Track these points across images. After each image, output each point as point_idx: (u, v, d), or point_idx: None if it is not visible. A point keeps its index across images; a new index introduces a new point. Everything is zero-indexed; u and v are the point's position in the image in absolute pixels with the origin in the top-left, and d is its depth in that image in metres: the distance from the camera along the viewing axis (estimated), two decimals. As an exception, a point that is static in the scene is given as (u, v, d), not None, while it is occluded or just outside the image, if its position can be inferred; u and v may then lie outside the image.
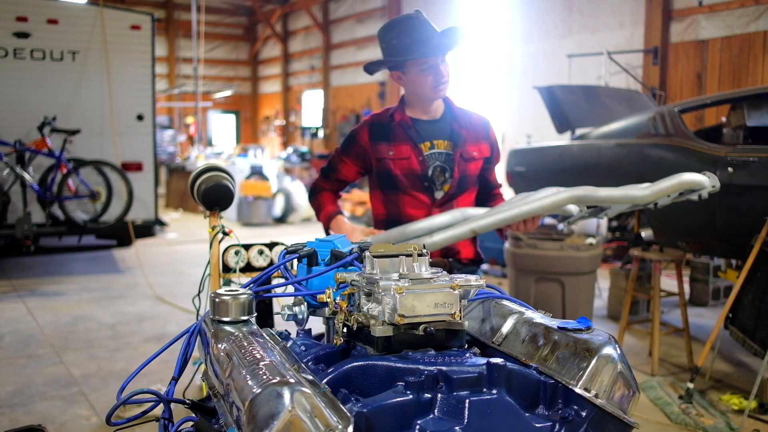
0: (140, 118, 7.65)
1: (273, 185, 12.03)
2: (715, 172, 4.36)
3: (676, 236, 4.81)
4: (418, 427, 1.11)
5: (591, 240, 5.13)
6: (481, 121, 2.63)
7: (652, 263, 4.69)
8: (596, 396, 1.17)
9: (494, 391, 1.16)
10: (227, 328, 1.30)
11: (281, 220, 12.00)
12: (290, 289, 1.52)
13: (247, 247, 2.88)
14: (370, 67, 2.51)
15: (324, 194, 2.74)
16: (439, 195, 2.54)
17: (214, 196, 2.66)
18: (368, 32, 15.76)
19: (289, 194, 12.01)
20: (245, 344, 1.19)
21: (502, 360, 1.20)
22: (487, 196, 2.73)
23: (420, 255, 1.36)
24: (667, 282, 6.37)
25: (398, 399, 1.11)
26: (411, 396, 1.12)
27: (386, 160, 2.54)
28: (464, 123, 2.56)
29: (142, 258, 7.48)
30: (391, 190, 2.58)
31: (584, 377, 1.17)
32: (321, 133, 17.45)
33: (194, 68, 15.10)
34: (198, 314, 3.00)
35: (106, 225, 7.23)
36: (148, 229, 8.85)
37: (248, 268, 2.88)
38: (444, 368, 1.17)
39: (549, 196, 2.30)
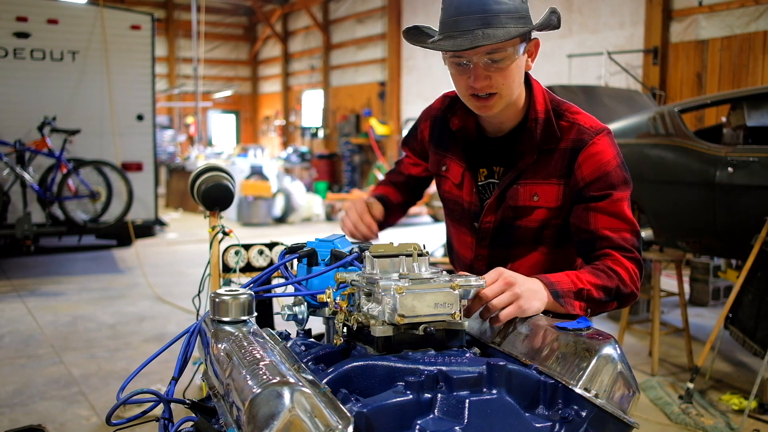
0: (140, 118, 7.66)
1: (273, 185, 12.03)
2: (715, 172, 4.37)
3: (676, 236, 4.81)
4: (418, 427, 1.11)
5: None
6: (576, 143, 1.64)
7: (652, 263, 4.69)
8: (596, 396, 1.17)
9: (494, 391, 1.16)
10: (227, 328, 1.30)
11: (281, 220, 12.01)
12: (290, 289, 1.52)
13: (247, 247, 2.88)
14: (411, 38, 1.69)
15: (378, 187, 2.09)
16: (483, 241, 1.79)
17: (214, 196, 2.66)
18: (368, 32, 15.76)
19: (289, 194, 12.01)
20: (245, 344, 1.19)
21: (502, 360, 1.20)
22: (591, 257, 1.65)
23: (420, 255, 1.36)
24: (667, 282, 6.36)
25: (398, 399, 1.11)
26: (411, 396, 1.12)
27: (437, 177, 1.93)
28: (534, 140, 1.67)
29: (142, 258, 7.48)
30: (446, 212, 1.96)
31: (584, 377, 1.17)
32: (321, 133, 17.46)
33: (194, 68, 15.10)
34: (198, 314, 3.00)
35: (106, 225, 7.23)
36: (148, 229, 8.85)
37: (248, 268, 2.88)
38: (444, 368, 1.16)
39: None
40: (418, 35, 1.68)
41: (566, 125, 1.67)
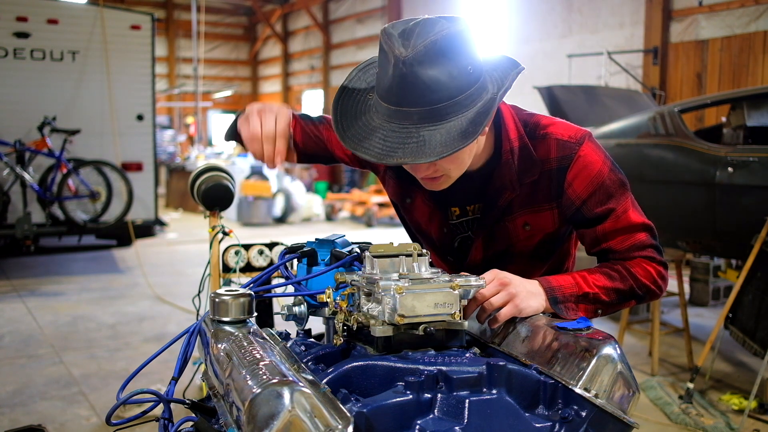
0: (140, 118, 7.67)
1: (273, 185, 12.04)
2: (715, 172, 4.37)
3: (676, 236, 4.81)
4: (418, 427, 1.11)
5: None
6: (561, 162, 1.51)
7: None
8: (596, 396, 1.17)
9: (494, 391, 1.16)
10: (227, 328, 1.30)
11: (281, 220, 12.01)
12: (290, 289, 1.52)
13: (247, 247, 2.88)
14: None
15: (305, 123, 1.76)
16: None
17: (214, 196, 2.66)
18: (368, 32, 15.77)
19: (289, 194, 12.02)
20: (245, 344, 1.19)
21: (502, 360, 1.20)
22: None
23: (420, 255, 1.35)
24: (667, 282, 6.37)
25: (398, 399, 1.11)
26: (411, 396, 1.12)
27: (399, 208, 1.77)
28: (513, 174, 1.52)
29: (142, 258, 7.48)
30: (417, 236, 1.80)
31: (584, 377, 1.17)
32: (321, 133, 17.45)
33: (194, 68, 15.11)
34: (198, 314, 3.00)
35: (106, 225, 7.24)
36: (148, 229, 8.86)
37: (248, 268, 2.88)
38: (444, 368, 1.16)
39: None
40: (353, 97, 1.42)
41: (542, 142, 1.51)
